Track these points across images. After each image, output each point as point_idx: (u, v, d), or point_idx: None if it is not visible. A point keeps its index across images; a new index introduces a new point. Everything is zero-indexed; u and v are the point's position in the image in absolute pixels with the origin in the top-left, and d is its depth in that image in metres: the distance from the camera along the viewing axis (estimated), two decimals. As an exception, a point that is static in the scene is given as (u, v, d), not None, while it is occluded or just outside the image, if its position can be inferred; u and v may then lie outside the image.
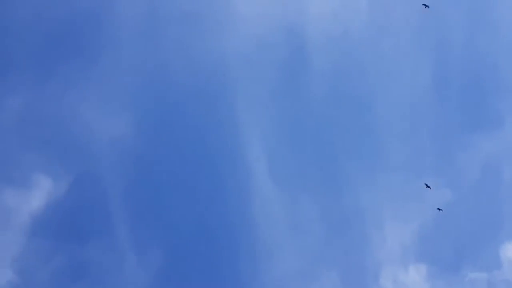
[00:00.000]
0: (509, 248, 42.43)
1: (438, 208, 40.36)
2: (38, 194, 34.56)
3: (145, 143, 35.60)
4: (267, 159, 39.28)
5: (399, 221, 41.03)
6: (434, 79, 43.42)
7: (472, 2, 43.77)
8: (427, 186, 39.49)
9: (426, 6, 39.40)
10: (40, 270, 35.00)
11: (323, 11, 37.59)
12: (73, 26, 34.26)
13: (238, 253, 37.53)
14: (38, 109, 33.02)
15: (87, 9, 34.24)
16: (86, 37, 34.24)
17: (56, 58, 33.60)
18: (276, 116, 38.61)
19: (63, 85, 33.09)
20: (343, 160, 41.53)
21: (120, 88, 34.35)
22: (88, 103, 33.56)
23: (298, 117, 39.33)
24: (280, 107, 38.65)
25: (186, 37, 35.78)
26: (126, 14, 34.55)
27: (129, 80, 34.67)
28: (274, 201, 39.35)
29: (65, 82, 33.15)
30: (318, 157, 41.52)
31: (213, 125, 36.31)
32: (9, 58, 36.48)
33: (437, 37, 42.70)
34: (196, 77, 35.74)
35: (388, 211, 41.02)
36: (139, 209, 35.79)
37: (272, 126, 38.71)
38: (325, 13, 37.80)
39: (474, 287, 41.28)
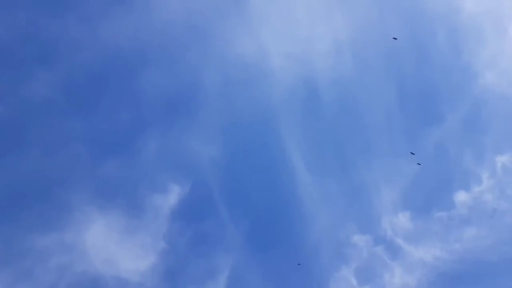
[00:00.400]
0: (459, 194, 65.71)
1: (418, 163, 63.15)
2: (173, 196, 57.68)
3: (231, 158, 59.06)
4: (303, 159, 62.59)
5: (389, 185, 64.32)
6: (398, 96, 67.08)
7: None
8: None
9: (395, 38, 62.18)
10: (179, 240, 57.80)
11: (325, 64, 61.63)
12: (183, 93, 56.92)
13: (291, 216, 60.83)
14: (172, 152, 56.02)
15: (189, 82, 56.99)
16: (195, 99, 57.17)
17: (177, 116, 56.28)
18: (305, 131, 62.12)
19: (186, 133, 56.00)
20: (349, 153, 64.75)
21: (215, 128, 57.84)
22: (195, 138, 56.82)
23: (318, 131, 62.76)
24: (307, 126, 62.26)
25: (248, 91, 58.75)
26: (214, 83, 57.58)
27: (220, 123, 57.92)
28: (309, 183, 62.64)
29: (185, 130, 56.13)
30: (333, 154, 64.74)
31: (270, 142, 59.86)
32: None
33: (397, 71, 66.62)
34: (256, 116, 59.25)
35: (382, 181, 64.33)
36: (232, 198, 58.94)
37: (304, 139, 62.08)
38: (327, 64, 61.85)
39: (439, 222, 64.77)
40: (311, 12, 63.76)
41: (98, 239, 54.74)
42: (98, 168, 55.51)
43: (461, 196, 64.17)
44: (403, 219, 64.26)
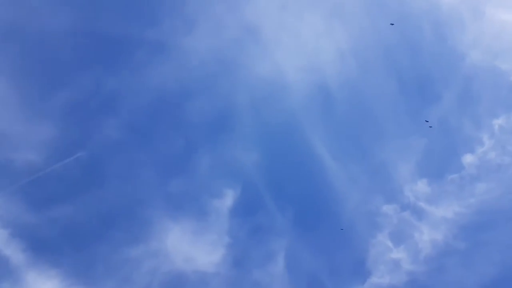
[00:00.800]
0: (466, 157, 76.40)
1: (430, 126, 74.98)
2: (228, 198, 70.92)
3: (269, 160, 72.17)
4: (327, 150, 74.51)
5: (404, 160, 76.09)
6: (399, 85, 78.83)
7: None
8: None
9: (392, 24, 74.86)
10: (239, 234, 70.31)
11: (333, 71, 74.79)
12: (222, 115, 71.51)
13: (326, 199, 73.03)
14: (221, 163, 70.41)
15: (224, 105, 71.49)
16: (231, 118, 71.73)
17: (220, 134, 71.09)
18: (325, 128, 74.62)
19: (229, 147, 70.68)
20: (365, 140, 76.42)
21: (251, 138, 71.38)
22: (237, 149, 71.07)
23: (336, 126, 75.11)
24: (326, 123, 75.04)
25: (272, 104, 73.63)
26: (244, 102, 72.62)
27: (254, 134, 71.04)
28: (336, 169, 74.61)
29: (228, 144, 70.52)
30: (352, 142, 76.41)
31: (298, 142, 73.18)
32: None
33: (394, 65, 78.98)
34: (282, 122, 73.36)
35: (397, 157, 76.12)
36: (275, 192, 71.69)
37: (325, 134, 74.28)
38: (334, 70, 75.11)
39: (453, 183, 75.49)
40: (314, 29, 76.55)
41: (176, 243, 67.34)
42: (166, 186, 68.90)
43: (468, 158, 74.90)
44: (422, 186, 75.47)
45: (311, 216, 73.05)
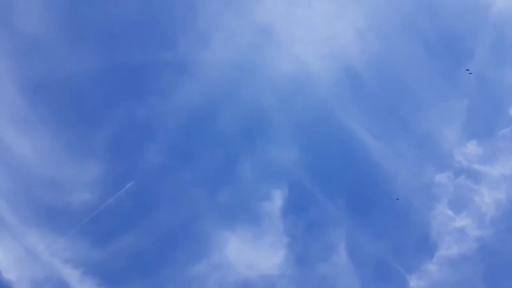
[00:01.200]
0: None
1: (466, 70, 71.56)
2: (277, 198, 71.12)
3: (310, 154, 71.98)
4: (367, 131, 72.89)
5: (448, 125, 73.57)
6: (427, 51, 76.24)
7: None
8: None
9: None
10: (295, 231, 70.42)
11: (356, 51, 73.98)
12: (256, 120, 72.63)
13: (376, 180, 71.67)
14: (263, 166, 71.39)
15: (255, 108, 72.72)
16: (265, 120, 72.68)
17: (257, 138, 72.27)
18: (360, 109, 73.26)
19: (268, 149, 71.27)
20: (404, 112, 74.43)
21: (288, 136, 71.91)
22: (276, 150, 71.98)
23: (371, 104, 73.80)
24: (360, 104, 73.70)
25: (302, 97, 73.63)
26: (275, 102, 73.17)
27: (290, 131, 71.28)
28: (380, 149, 73.18)
29: (266, 146, 71.39)
30: (391, 117, 74.53)
31: (336, 129, 72.59)
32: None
33: (418, 31, 76.79)
34: (316, 112, 73.16)
35: (441, 123, 73.57)
36: (323, 184, 70.98)
37: (362, 115, 73.05)
38: (357, 50, 74.22)
39: (504, 138, 71.78)
40: (326, 14, 75.47)
41: (237, 252, 68.41)
42: (216, 199, 70.08)
43: (517, 112, 71.70)
44: (472, 147, 72.51)
45: (364, 201, 72.11)
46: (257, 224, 69.53)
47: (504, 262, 67.33)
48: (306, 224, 70.64)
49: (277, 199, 70.53)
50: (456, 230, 69.22)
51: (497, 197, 69.76)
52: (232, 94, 72.70)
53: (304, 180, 71.63)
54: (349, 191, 72.19)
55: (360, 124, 73.77)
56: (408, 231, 70.82)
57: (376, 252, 69.39)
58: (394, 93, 75.23)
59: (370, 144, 73.11)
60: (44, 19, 67.35)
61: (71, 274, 62.88)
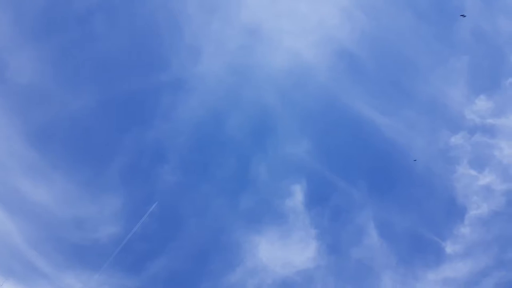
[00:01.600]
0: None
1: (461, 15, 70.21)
2: (298, 193, 71.09)
3: (322, 142, 72.20)
4: (373, 108, 73.13)
5: (453, 83, 72.51)
6: (416, 16, 75.59)
7: None
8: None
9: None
10: (322, 222, 70.53)
11: (345, 33, 73.65)
12: (265, 119, 72.86)
13: (391, 154, 71.31)
14: (279, 163, 71.41)
15: (265, 108, 72.78)
16: (272, 118, 72.81)
17: (265, 136, 72.39)
18: (365, 87, 73.24)
19: (279, 145, 71.62)
20: (406, 80, 74.07)
21: (296, 129, 71.92)
22: (288, 144, 71.94)
23: (373, 80, 73.61)
24: (364, 82, 73.55)
25: (307, 89, 74.07)
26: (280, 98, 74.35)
27: (298, 124, 71.87)
28: (388, 124, 73.04)
29: (277, 143, 71.78)
30: (393, 89, 74.30)
31: (343, 112, 72.77)
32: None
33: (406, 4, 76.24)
34: (324, 99, 73.12)
35: (444, 82, 72.73)
36: (341, 169, 70.84)
37: (367, 93, 73.50)
38: (346, 31, 73.85)
39: (511, 86, 71.51)
40: (311, 2, 75.86)
41: (269, 254, 67.90)
42: (238, 206, 69.94)
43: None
44: (482, 103, 71.34)
45: (384, 178, 71.61)
46: (283, 222, 69.65)
47: (537, 210, 66.45)
48: (332, 212, 70.59)
49: (298, 194, 70.59)
50: (482, 188, 68.40)
51: (518, 148, 68.78)
52: (233, 100, 73.04)
53: (321, 170, 71.60)
54: (367, 171, 71.95)
55: (365, 103, 73.39)
56: (434, 199, 70.20)
57: (407, 226, 68.93)
58: (392, 65, 74.71)
59: (379, 121, 72.70)
60: (37, 68, 68.80)
61: (112, 307, 63.81)
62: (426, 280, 66.07)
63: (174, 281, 66.61)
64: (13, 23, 67.96)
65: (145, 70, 71.52)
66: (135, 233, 67.54)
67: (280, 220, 69.47)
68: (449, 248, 66.86)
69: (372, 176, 71.20)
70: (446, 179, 70.05)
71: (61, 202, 65.42)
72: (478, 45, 73.32)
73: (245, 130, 73.14)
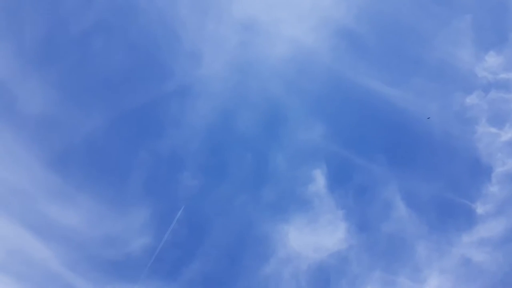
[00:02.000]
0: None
1: None
2: (319, 178, 71.08)
3: (335, 123, 71.84)
4: (383, 81, 72.48)
5: (459, 43, 71.05)
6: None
7: None
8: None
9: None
10: (347, 203, 70.03)
11: (342, 12, 73.53)
12: (276, 110, 72.81)
13: (403, 125, 70.71)
14: (296, 151, 71.70)
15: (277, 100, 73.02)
16: (284, 110, 73.39)
17: (278, 126, 72.82)
18: (370, 63, 72.60)
19: (293, 133, 71.93)
20: (411, 51, 73.03)
21: (308, 114, 72.27)
22: (300, 131, 72.19)
23: (378, 54, 72.75)
24: (369, 57, 72.89)
25: (318, 74, 73.71)
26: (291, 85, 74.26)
27: (310, 109, 72.28)
28: (399, 93, 72.20)
29: (290, 131, 71.80)
30: (398, 61, 73.51)
31: (351, 90, 72.34)
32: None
33: None
34: (333, 82, 73.11)
35: (450, 45, 71.22)
36: (358, 148, 70.80)
37: (372, 68, 72.79)
38: (343, 11, 73.59)
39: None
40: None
41: (300, 240, 67.57)
42: (263, 200, 70.13)
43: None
44: (492, 59, 69.88)
45: (403, 150, 70.84)
46: (309, 208, 69.63)
47: None
48: (355, 191, 70.19)
49: (319, 178, 70.39)
50: (505, 144, 67.13)
51: (535, 97, 67.21)
52: (240, 97, 73.08)
53: (338, 151, 71.25)
54: (385, 145, 71.29)
55: (373, 78, 72.63)
56: (457, 162, 69.25)
57: (433, 193, 68.19)
58: (394, 36, 73.61)
59: (389, 93, 71.82)
60: (45, 95, 69.60)
61: (155, 318, 64.89)
62: (461, 244, 65.28)
63: (211, 282, 67.38)
64: (15, 55, 69.16)
65: (150, 83, 72.18)
66: (166, 241, 68.66)
67: (305, 207, 69.55)
68: (480, 208, 65.87)
69: (391, 149, 70.68)
70: (467, 141, 68.98)
71: (89, 222, 66.72)
72: (479, 2, 71.79)
73: (257, 125, 73.28)
